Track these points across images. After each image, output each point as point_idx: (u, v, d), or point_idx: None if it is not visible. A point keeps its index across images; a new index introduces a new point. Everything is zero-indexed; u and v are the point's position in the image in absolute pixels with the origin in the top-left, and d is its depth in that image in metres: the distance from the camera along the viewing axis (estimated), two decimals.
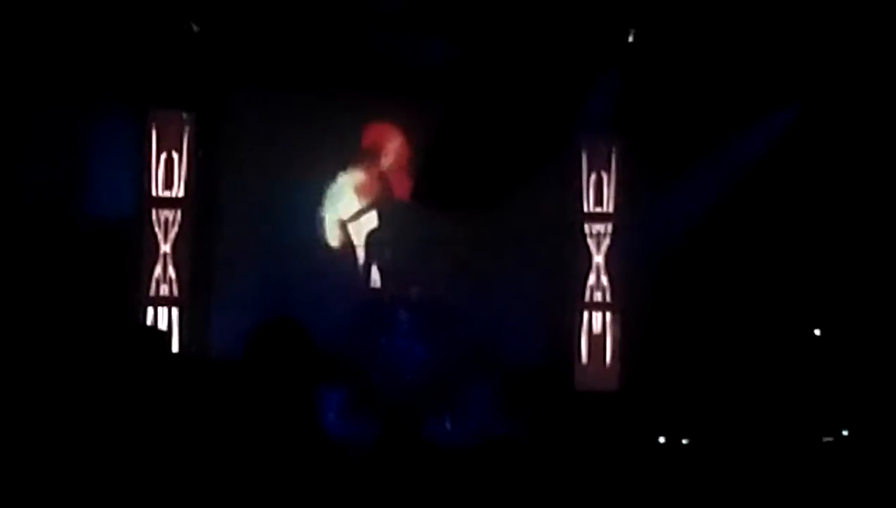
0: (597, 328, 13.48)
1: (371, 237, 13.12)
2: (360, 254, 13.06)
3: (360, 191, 13.22)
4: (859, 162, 12.26)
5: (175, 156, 12.60)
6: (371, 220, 13.15)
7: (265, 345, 3.60)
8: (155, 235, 12.53)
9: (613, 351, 13.42)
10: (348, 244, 13.10)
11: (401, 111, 13.07)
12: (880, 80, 11.95)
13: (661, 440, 12.06)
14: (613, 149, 13.60)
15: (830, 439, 11.47)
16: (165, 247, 12.54)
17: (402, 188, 13.23)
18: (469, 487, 3.29)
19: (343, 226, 13.12)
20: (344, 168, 13.13)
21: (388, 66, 12.57)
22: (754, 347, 12.41)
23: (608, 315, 13.51)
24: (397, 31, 12.24)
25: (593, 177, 13.64)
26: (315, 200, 13.08)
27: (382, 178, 13.25)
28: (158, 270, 12.50)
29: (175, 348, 12.07)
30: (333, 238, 13.08)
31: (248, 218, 12.83)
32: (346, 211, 13.14)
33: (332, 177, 13.12)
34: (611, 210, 13.60)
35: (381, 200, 13.19)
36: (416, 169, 13.09)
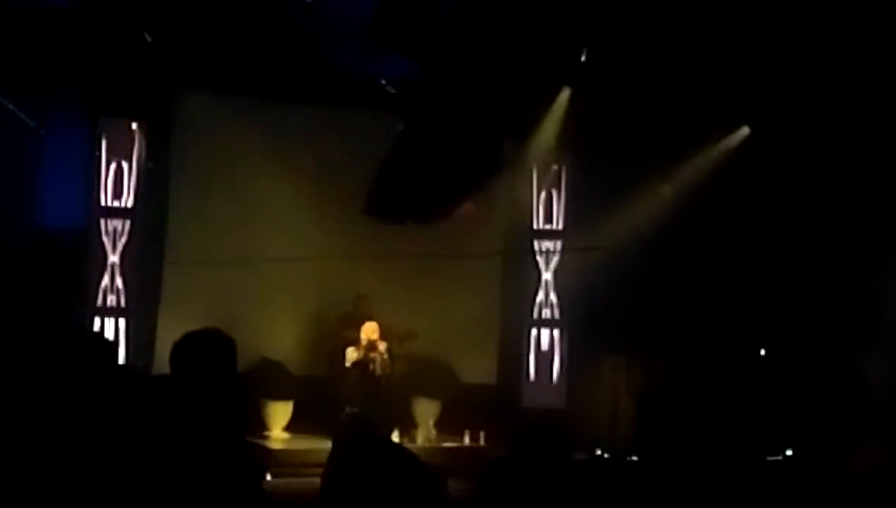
0: (545, 345, 13.54)
1: (321, 252, 12.97)
2: (310, 267, 12.93)
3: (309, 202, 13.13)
4: (807, 184, 12.39)
5: (125, 165, 12.51)
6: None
7: (190, 357, 3.61)
8: (103, 245, 12.41)
9: (561, 369, 13.48)
10: (299, 257, 12.94)
11: (352, 123, 13.01)
12: (830, 103, 12.07)
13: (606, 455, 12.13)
14: (563, 168, 13.68)
15: (776, 458, 11.53)
16: (114, 257, 12.42)
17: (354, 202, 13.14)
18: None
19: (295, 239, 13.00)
20: (295, 178, 13.01)
21: (342, 78, 12.58)
22: (700, 364, 12.48)
23: (556, 332, 13.57)
24: (355, 44, 12.23)
25: (543, 194, 13.71)
26: (265, 211, 13.00)
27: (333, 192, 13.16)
28: (106, 280, 12.38)
29: (121, 358, 11.97)
30: (284, 251, 12.91)
31: (198, 228, 12.73)
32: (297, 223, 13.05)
33: (284, 187, 13.01)
34: (560, 227, 13.68)
35: (331, 213, 13.07)
36: (369, 183, 13.02)
